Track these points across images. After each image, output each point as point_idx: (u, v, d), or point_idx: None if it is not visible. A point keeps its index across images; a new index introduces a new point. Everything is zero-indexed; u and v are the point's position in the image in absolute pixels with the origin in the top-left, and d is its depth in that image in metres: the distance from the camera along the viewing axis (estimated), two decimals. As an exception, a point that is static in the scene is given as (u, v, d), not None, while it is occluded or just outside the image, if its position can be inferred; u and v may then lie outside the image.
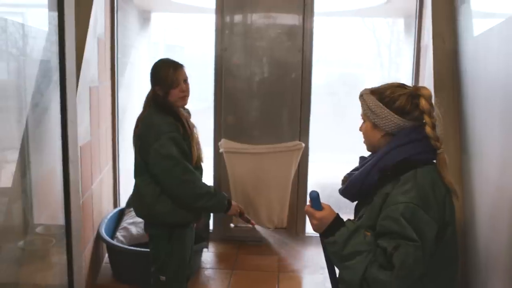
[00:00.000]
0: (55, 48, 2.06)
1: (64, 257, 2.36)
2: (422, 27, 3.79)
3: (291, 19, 4.06)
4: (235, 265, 3.86)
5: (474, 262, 2.44)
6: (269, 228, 4.02)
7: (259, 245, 4.03)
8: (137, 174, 2.75)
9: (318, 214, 1.76)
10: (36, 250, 2.62)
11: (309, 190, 4.17)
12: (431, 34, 3.08)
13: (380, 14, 4.86)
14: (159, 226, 2.75)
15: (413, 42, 4.08)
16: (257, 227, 3.11)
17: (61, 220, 2.82)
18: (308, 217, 1.82)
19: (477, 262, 2.40)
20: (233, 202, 2.87)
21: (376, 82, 5.02)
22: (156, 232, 2.77)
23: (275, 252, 3.64)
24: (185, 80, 2.73)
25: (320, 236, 1.84)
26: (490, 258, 2.26)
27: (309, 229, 4.28)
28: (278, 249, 3.47)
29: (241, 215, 2.92)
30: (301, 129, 4.11)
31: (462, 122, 2.73)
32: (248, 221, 2.98)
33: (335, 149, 4.73)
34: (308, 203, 1.83)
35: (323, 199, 1.80)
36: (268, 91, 4.10)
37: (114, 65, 4.08)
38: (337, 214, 1.78)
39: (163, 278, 2.76)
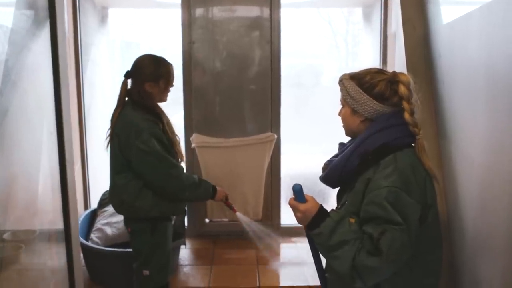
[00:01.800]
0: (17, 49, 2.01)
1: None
2: (388, 15, 3.83)
3: (258, 11, 4.05)
4: (213, 260, 3.83)
5: (461, 244, 2.47)
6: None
7: (234, 239, 4.02)
8: (116, 171, 2.72)
9: (302, 206, 1.76)
10: (5, 258, 2.54)
11: (282, 181, 4.23)
12: (401, 21, 3.10)
13: (337, 4, 4.89)
14: (141, 220, 2.74)
15: (373, 31, 4.14)
16: (238, 214, 3.16)
17: (30, 225, 2.74)
18: (292, 210, 1.82)
19: (464, 243, 2.44)
20: (218, 188, 2.92)
21: (335, 72, 5.06)
22: (138, 226, 2.76)
23: (251, 245, 3.64)
24: None
25: (305, 228, 1.84)
26: (478, 238, 2.30)
27: (284, 221, 4.30)
28: (258, 241, 3.47)
29: (226, 199, 2.99)
30: (272, 121, 4.11)
31: (439, 108, 2.77)
32: (231, 208, 3.04)
33: (300, 140, 4.74)
34: (292, 196, 1.81)
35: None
36: (238, 84, 4.09)
37: (78, 63, 3.98)
38: (321, 205, 1.78)
39: (146, 272, 2.75)
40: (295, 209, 1.79)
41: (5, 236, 2.59)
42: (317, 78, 5.05)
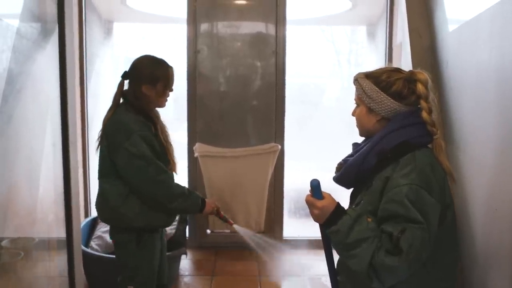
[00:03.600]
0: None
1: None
2: (394, 26, 3.85)
3: (264, 27, 4.10)
4: (214, 271, 3.78)
5: (470, 250, 2.41)
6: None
7: (237, 250, 3.96)
8: (102, 174, 2.56)
9: (320, 203, 1.71)
10: (3, 264, 2.50)
11: (285, 193, 4.19)
12: (407, 30, 3.10)
13: (342, 23, 4.91)
14: (126, 231, 2.57)
15: (377, 48, 4.16)
16: (236, 226, 3.05)
17: (29, 233, 2.71)
18: (309, 206, 1.75)
19: (473, 250, 2.37)
20: (208, 200, 2.74)
21: (337, 91, 5.07)
22: (122, 238, 2.59)
23: (254, 257, 3.59)
24: None
25: (321, 226, 1.80)
26: (488, 245, 2.24)
27: (286, 233, 4.24)
28: (260, 251, 3.42)
29: (218, 213, 2.81)
30: (276, 132, 4.09)
31: (446, 114, 2.74)
32: (225, 220, 2.87)
33: (301, 157, 4.72)
34: (308, 192, 1.76)
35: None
36: (243, 96, 4.10)
37: (83, 73, 4.00)
38: (338, 203, 1.73)
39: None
40: (312, 206, 1.73)
41: (4, 243, 2.56)
42: (320, 97, 5.05)
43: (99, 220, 3.84)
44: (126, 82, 2.60)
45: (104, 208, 2.59)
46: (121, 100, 2.60)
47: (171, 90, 2.60)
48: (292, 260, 4.01)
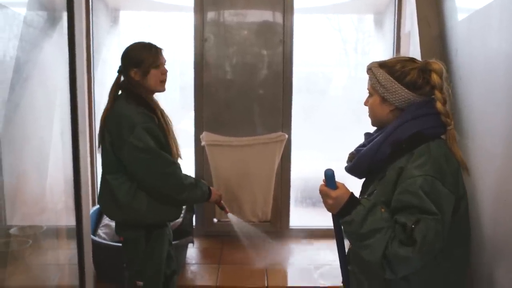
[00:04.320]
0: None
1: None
2: (402, 15, 3.82)
3: (271, 15, 4.07)
4: (221, 259, 3.79)
5: (479, 242, 2.41)
6: (252, 221, 3.97)
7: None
8: (108, 171, 2.55)
9: (334, 193, 1.71)
10: (11, 252, 2.52)
11: (292, 182, 4.18)
12: (416, 19, 3.09)
13: (348, 11, 4.87)
14: (134, 227, 2.58)
15: (385, 36, 4.15)
16: (230, 215, 3.09)
17: (37, 221, 2.72)
18: (323, 196, 1.76)
19: (483, 241, 2.37)
20: (212, 189, 2.76)
21: (344, 80, 5.04)
22: (132, 234, 2.59)
23: (260, 246, 3.59)
24: (164, 63, 2.61)
25: (334, 216, 1.80)
26: (498, 237, 2.23)
27: (293, 222, 4.25)
28: (264, 243, 3.43)
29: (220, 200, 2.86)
30: (283, 121, 4.08)
31: (455, 103, 2.73)
32: (222, 208, 2.91)
33: (307, 146, 4.70)
34: (322, 182, 1.76)
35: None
36: (250, 85, 4.08)
37: (90, 61, 4.00)
38: (352, 193, 1.74)
39: (140, 283, 2.61)
40: (326, 196, 1.73)
41: (12, 231, 2.57)
42: (326, 86, 5.02)
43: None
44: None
45: (111, 205, 2.57)
46: (119, 93, 2.60)
47: (162, 71, 2.57)
48: (298, 249, 4.02)
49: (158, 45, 2.61)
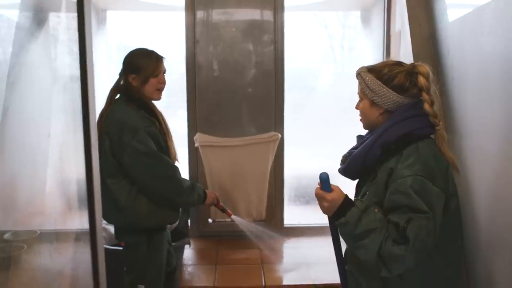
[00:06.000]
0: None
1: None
2: (392, 14, 3.85)
3: (262, 13, 4.08)
4: (217, 260, 3.80)
5: (474, 238, 2.45)
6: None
7: (238, 239, 3.99)
8: (108, 175, 2.50)
9: (329, 196, 1.77)
10: (7, 258, 2.51)
11: (286, 181, 4.21)
12: (406, 19, 3.12)
13: (335, 8, 4.89)
14: (135, 232, 2.59)
15: (372, 33, 4.18)
16: (234, 217, 3.09)
17: (32, 226, 2.70)
18: (318, 199, 1.81)
19: (478, 238, 2.41)
20: (208, 191, 2.78)
21: (331, 76, 5.07)
22: (134, 239, 2.59)
23: (256, 245, 3.62)
24: (164, 72, 2.62)
25: (330, 218, 1.85)
26: (493, 233, 2.28)
27: (287, 220, 4.28)
28: (259, 242, 3.46)
29: (217, 204, 2.85)
30: (276, 121, 4.10)
31: (448, 103, 2.77)
32: (224, 211, 2.93)
33: (297, 144, 4.73)
34: (317, 185, 1.81)
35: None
36: (241, 84, 4.09)
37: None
38: (346, 195, 1.79)
39: (142, 287, 2.61)
40: (321, 199, 1.79)
41: (6, 236, 2.56)
42: (314, 82, 5.04)
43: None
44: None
45: (112, 209, 2.54)
46: (117, 96, 2.60)
47: (160, 80, 2.58)
48: (293, 248, 4.06)
49: (160, 54, 2.62)
